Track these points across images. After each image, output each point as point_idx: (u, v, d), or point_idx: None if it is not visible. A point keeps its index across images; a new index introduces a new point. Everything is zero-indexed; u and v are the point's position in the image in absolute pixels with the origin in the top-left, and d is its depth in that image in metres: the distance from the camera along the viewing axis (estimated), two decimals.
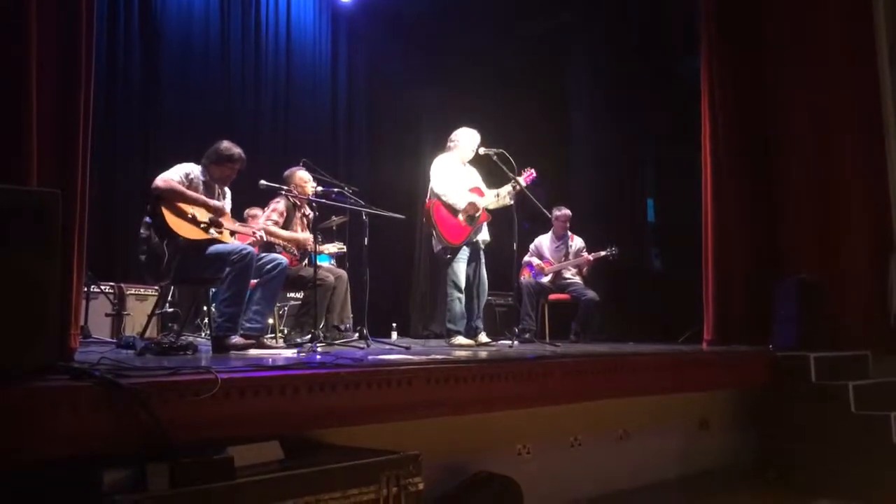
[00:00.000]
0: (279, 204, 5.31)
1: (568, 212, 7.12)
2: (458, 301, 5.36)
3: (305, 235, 5.27)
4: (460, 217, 5.37)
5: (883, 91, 5.66)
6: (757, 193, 6.02)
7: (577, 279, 7.02)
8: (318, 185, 5.36)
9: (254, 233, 4.83)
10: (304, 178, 5.38)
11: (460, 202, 5.35)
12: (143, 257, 4.31)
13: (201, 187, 4.39)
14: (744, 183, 5.97)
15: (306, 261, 5.35)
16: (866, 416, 4.65)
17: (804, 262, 5.78)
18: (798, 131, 5.94)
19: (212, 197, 4.46)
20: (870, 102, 5.66)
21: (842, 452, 4.64)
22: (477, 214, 5.40)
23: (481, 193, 5.51)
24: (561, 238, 7.17)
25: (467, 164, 5.62)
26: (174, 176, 4.27)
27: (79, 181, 3.07)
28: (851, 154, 5.69)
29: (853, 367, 5.19)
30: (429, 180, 5.53)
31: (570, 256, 7.07)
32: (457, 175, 5.49)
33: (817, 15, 5.89)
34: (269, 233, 4.97)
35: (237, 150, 4.46)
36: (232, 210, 4.74)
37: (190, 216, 4.26)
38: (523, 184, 5.42)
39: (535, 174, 5.55)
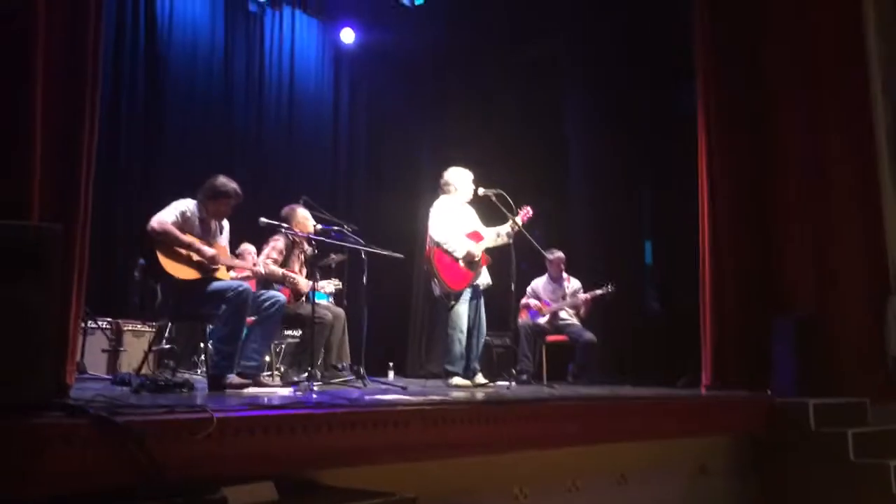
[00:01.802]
0: (278, 242, 5.31)
1: (561, 254, 7.12)
2: (458, 342, 5.32)
3: (300, 278, 5.25)
4: (461, 263, 5.36)
5: (878, 134, 5.72)
6: (755, 236, 6.04)
7: (575, 320, 7.00)
8: (318, 222, 5.37)
9: (254, 264, 4.83)
10: (305, 216, 5.40)
11: (459, 250, 5.34)
12: (136, 299, 4.29)
13: (197, 224, 4.33)
14: (741, 226, 5.99)
15: (304, 298, 5.34)
16: (866, 464, 4.61)
17: (802, 306, 5.78)
18: (795, 174, 5.98)
19: (209, 231, 4.42)
20: (865, 146, 5.72)
21: (841, 501, 4.59)
22: (477, 259, 5.39)
23: (480, 237, 5.50)
24: (557, 280, 7.17)
25: (466, 205, 5.64)
26: (169, 217, 4.21)
27: (80, 217, 3.09)
28: (848, 198, 5.73)
29: (852, 415, 5.16)
30: (428, 222, 5.53)
31: (567, 297, 7.05)
32: (457, 219, 5.49)
33: (811, 67, 5.97)
34: (265, 268, 4.95)
35: (232, 186, 4.42)
36: (229, 244, 4.73)
37: (185, 257, 4.22)
38: (520, 223, 5.44)
39: (531, 212, 5.57)
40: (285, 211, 5.39)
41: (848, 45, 5.84)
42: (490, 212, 5.63)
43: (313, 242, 5.14)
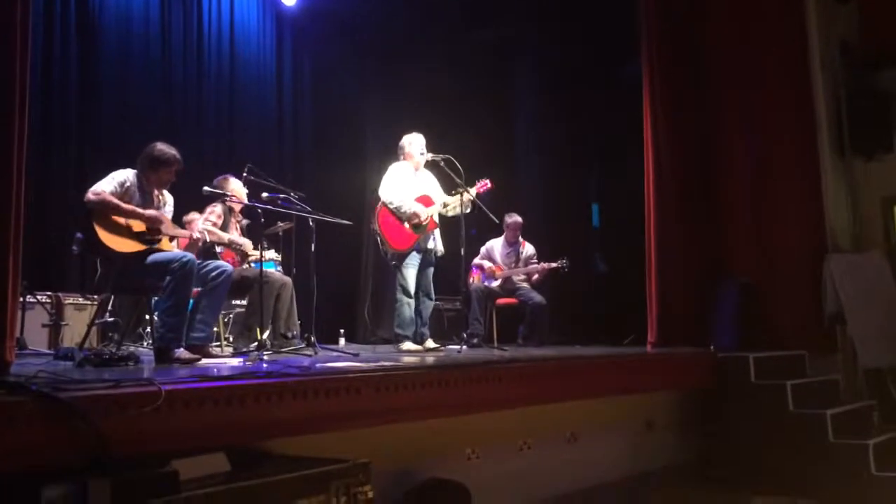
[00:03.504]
0: (216, 207, 5.26)
1: (519, 219, 7.17)
2: (407, 306, 5.37)
3: (244, 240, 5.21)
4: (406, 225, 5.38)
5: (817, 106, 5.89)
6: (698, 199, 6.17)
7: (525, 284, 7.07)
8: (265, 191, 5.30)
9: (192, 235, 4.73)
10: (237, 185, 5.34)
11: (407, 210, 5.37)
12: (76, 273, 4.16)
13: (137, 195, 4.20)
14: (685, 189, 6.11)
15: (250, 259, 5.31)
16: (804, 414, 4.81)
17: (743, 265, 5.96)
18: (737, 141, 6.12)
19: (149, 204, 4.28)
20: (806, 116, 5.89)
21: (781, 449, 4.79)
22: (424, 223, 5.41)
23: (430, 202, 5.52)
24: (512, 245, 7.22)
25: (422, 170, 5.64)
26: (107, 187, 4.06)
27: (13, 188, 2.96)
28: (787, 163, 5.89)
29: (791, 367, 5.36)
30: (379, 186, 5.53)
31: (522, 263, 7.11)
32: (408, 183, 5.51)
33: (753, 38, 6.10)
34: (209, 234, 4.86)
35: (172, 152, 4.29)
36: (173, 215, 4.62)
37: (125, 228, 4.09)
38: (474, 194, 5.46)
39: (489, 185, 5.58)
40: (217, 181, 5.30)
41: (789, 22, 5.97)
42: (445, 180, 5.63)
43: (260, 211, 5.05)
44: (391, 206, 5.39)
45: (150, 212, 4.20)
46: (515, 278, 7.07)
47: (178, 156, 4.32)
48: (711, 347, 5.45)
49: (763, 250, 5.92)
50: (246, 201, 5.20)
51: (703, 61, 6.32)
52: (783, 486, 4.66)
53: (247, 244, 5.19)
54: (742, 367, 5.08)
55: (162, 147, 4.29)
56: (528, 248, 7.21)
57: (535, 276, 7.06)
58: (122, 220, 4.09)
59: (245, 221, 5.46)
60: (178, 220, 5.34)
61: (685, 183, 6.12)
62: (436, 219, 5.54)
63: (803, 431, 4.75)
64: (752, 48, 6.09)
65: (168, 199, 4.50)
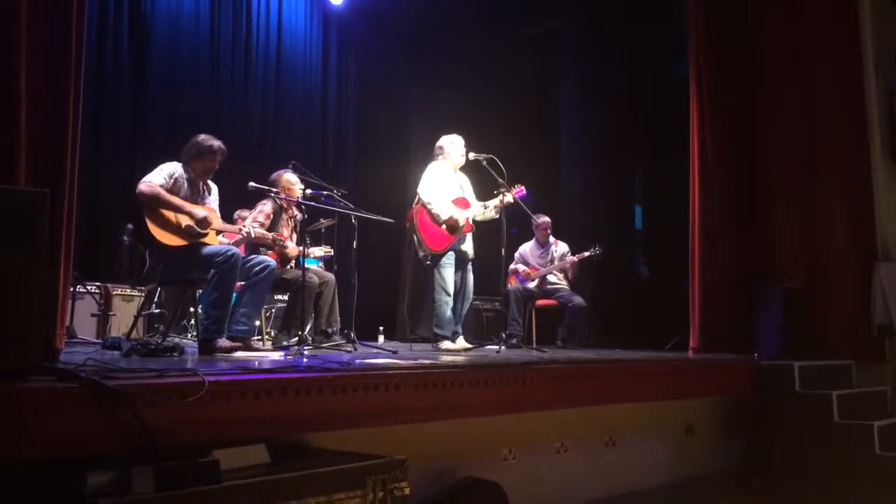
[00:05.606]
0: (266, 206, 5.30)
1: (547, 219, 7.15)
2: (445, 305, 5.39)
3: (294, 248, 5.25)
4: (442, 226, 5.40)
5: (869, 107, 5.73)
6: (744, 202, 6.06)
7: (564, 284, 7.04)
8: (307, 187, 5.35)
9: (240, 230, 4.80)
10: (291, 181, 5.37)
11: (443, 213, 5.38)
12: (125, 264, 4.27)
13: (186, 185, 4.31)
14: (731, 192, 6.00)
15: (292, 263, 5.34)
16: (849, 425, 4.69)
17: (789, 270, 5.83)
18: (784, 143, 5.98)
19: (197, 192, 4.40)
20: (857, 117, 5.73)
21: (825, 461, 4.68)
22: (459, 226, 5.42)
23: (467, 205, 5.53)
24: (544, 245, 7.20)
25: (459, 172, 5.65)
26: (158, 179, 4.18)
27: (67, 181, 3.06)
28: (838, 166, 5.74)
29: (837, 377, 5.24)
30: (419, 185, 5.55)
31: (555, 261, 7.09)
32: (447, 184, 5.52)
33: (804, 38, 5.94)
34: (258, 235, 4.93)
35: (216, 142, 4.40)
36: (220, 210, 4.70)
37: (173, 223, 4.18)
38: (511, 198, 5.44)
39: (525, 191, 5.57)
40: (272, 177, 5.36)
41: (841, 24, 5.81)
42: (484, 181, 5.62)
43: (303, 207, 5.11)
44: (429, 208, 5.40)
45: (201, 212, 4.26)
46: (552, 278, 7.04)
47: (222, 146, 4.43)
48: (755, 354, 5.35)
49: (810, 256, 5.78)
50: (297, 195, 5.24)
51: (751, 61, 6.19)
52: (826, 499, 4.55)
53: (291, 248, 5.24)
54: (787, 375, 4.97)
55: (205, 136, 4.42)
56: (560, 247, 7.18)
57: (570, 272, 7.02)
58: (171, 214, 4.18)
59: (299, 216, 5.49)
60: (227, 216, 5.42)
61: (731, 185, 6.01)
62: (471, 221, 5.55)
63: (849, 443, 4.63)
64: (801, 49, 5.95)
65: (213, 188, 4.59)
